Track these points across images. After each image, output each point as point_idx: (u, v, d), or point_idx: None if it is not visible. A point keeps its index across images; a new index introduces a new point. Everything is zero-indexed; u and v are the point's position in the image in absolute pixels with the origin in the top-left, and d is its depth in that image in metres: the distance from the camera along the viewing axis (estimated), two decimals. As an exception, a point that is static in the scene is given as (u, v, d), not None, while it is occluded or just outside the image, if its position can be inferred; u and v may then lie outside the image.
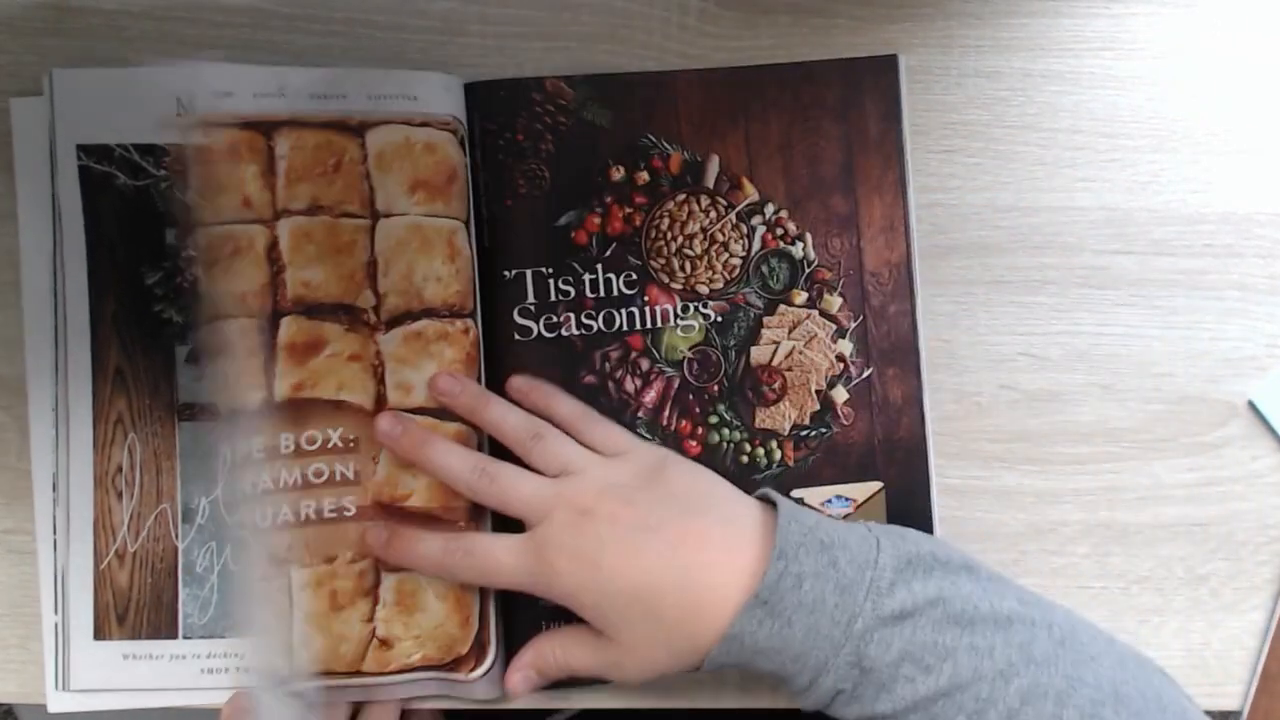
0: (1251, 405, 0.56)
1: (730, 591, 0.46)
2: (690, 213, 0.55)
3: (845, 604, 0.45)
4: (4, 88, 0.54)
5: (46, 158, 0.53)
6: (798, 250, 0.55)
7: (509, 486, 0.50)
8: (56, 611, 0.54)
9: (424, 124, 0.53)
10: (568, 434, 0.53)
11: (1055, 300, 0.56)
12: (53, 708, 0.54)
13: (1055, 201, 0.56)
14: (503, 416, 0.52)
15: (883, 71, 0.55)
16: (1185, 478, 0.56)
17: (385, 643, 0.53)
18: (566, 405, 0.53)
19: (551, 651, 0.52)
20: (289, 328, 0.53)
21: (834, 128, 0.55)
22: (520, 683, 0.52)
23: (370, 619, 0.53)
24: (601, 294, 0.55)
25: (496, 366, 0.54)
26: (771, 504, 0.49)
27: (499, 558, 0.50)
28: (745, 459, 0.55)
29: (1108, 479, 0.57)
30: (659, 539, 0.47)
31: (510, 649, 0.54)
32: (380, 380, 0.53)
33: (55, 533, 0.54)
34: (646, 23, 0.55)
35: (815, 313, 0.55)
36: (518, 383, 0.53)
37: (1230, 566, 0.56)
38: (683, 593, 0.47)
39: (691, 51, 0.55)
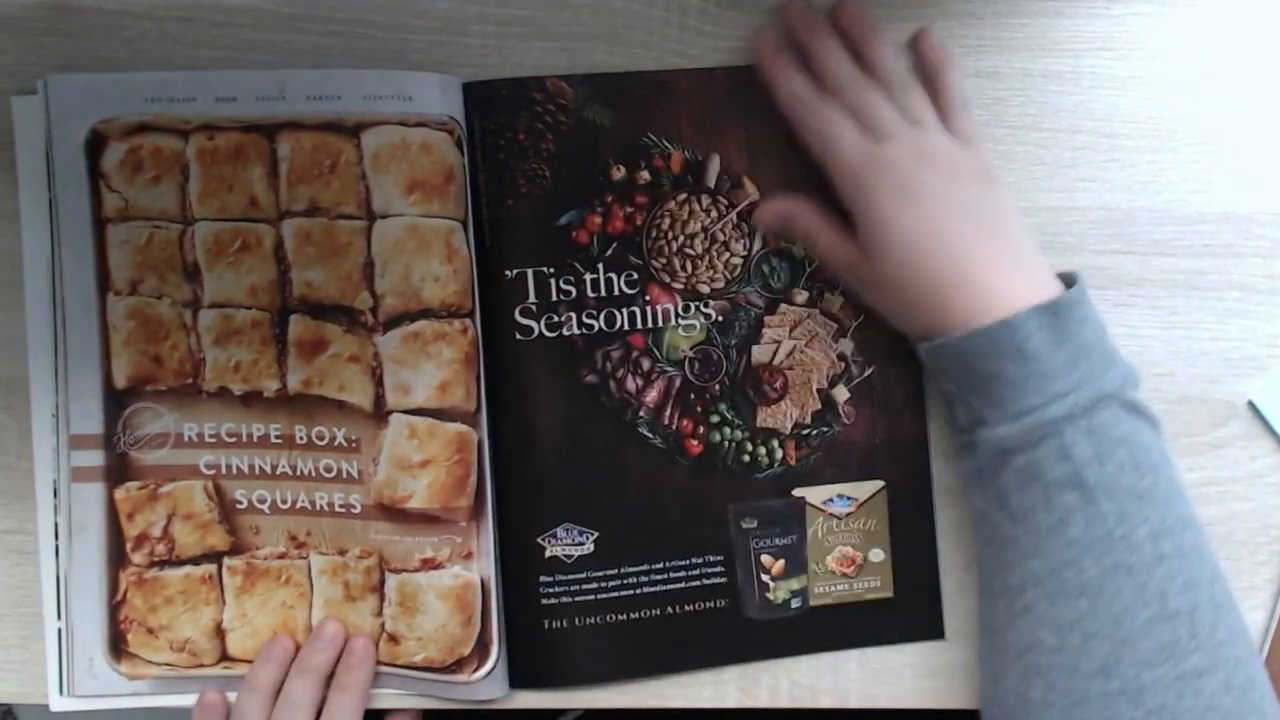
0: (1251, 405, 0.59)
1: (1016, 294, 0.49)
2: (691, 212, 0.57)
3: (1105, 366, 0.49)
4: (4, 88, 0.56)
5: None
6: (798, 249, 0.58)
7: (875, 99, 0.53)
8: (60, 617, 0.56)
9: (420, 124, 0.55)
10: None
11: (1055, 300, 0.58)
12: (55, 708, 0.56)
13: (1055, 201, 0.58)
14: (885, 55, 0.55)
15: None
16: (1185, 478, 0.57)
17: (393, 638, 0.56)
18: (956, 81, 0.56)
19: (810, 215, 0.56)
20: (296, 326, 0.55)
21: (834, 127, 0.57)
22: (767, 213, 0.57)
23: (379, 614, 0.56)
24: (603, 293, 0.57)
25: (497, 366, 0.56)
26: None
27: (841, 133, 0.53)
28: (747, 458, 0.58)
29: (1108, 478, 0.59)
30: (970, 224, 0.51)
31: (512, 649, 0.57)
32: (379, 382, 0.55)
33: (57, 538, 0.56)
34: (646, 23, 0.57)
35: (816, 311, 0.58)
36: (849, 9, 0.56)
37: (1230, 566, 0.58)
38: (964, 266, 0.50)
39: (691, 51, 0.57)
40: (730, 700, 0.59)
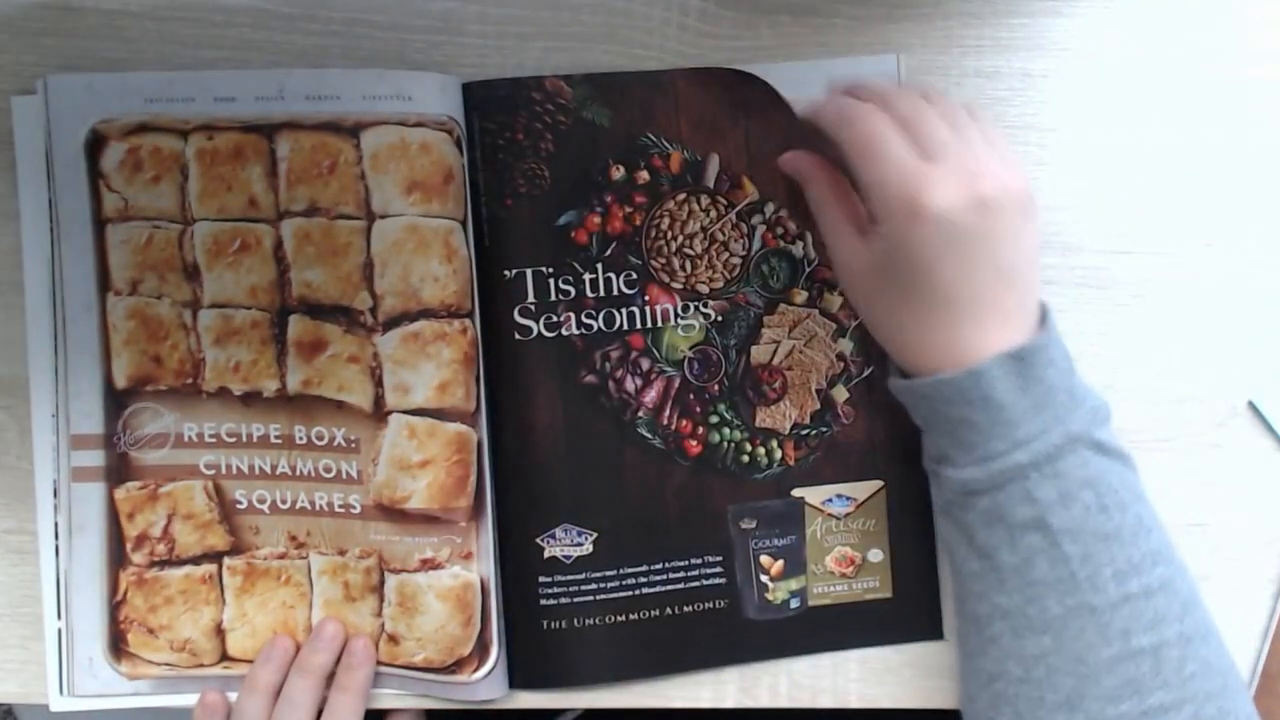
0: (1251, 405, 0.59)
1: (992, 343, 0.49)
2: (690, 212, 0.58)
3: (1071, 408, 0.49)
4: (4, 87, 0.57)
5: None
6: (798, 249, 0.58)
7: (925, 109, 0.51)
8: (60, 617, 0.56)
9: (419, 124, 0.55)
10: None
11: (1055, 300, 0.57)
12: (55, 708, 0.57)
13: (1055, 201, 0.58)
14: (920, 108, 0.52)
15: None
16: (1185, 478, 0.59)
17: (393, 638, 0.56)
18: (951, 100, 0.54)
19: (826, 186, 0.55)
20: (295, 326, 0.56)
21: (834, 127, 0.58)
22: (787, 164, 0.56)
23: (379, 614, 0.56)
24: (602, 293, 0.57)
25: (496, 366, 0.57)
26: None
27: (889, 140, 0.50)
28: (746, 458, 0.58)
29: (1108, 479, 0.59)
30: (994, 275, 0.49)
31: (512, 649, 0.57)
32: (378, 382, 0.56)
33: (57, 538, 0.56)
34: (646, 23, 0.58)
35: (816, 311, 0.58)
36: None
37: (1230, 567, 0.59)
38: (963, 320, 0.50)
39: (691, 51, 0.58)
40: (730, 700, 0.59)
